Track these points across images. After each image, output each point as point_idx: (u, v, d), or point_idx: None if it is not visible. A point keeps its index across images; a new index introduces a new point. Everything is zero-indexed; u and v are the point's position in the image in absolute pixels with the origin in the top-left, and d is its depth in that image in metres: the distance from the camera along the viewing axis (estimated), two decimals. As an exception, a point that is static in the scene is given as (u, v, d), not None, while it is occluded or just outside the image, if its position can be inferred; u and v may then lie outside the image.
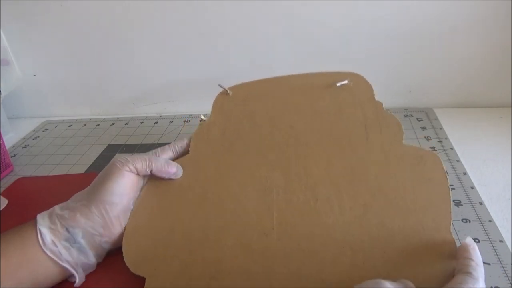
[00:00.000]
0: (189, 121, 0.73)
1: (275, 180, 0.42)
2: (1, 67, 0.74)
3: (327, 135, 0.44)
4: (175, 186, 0.45)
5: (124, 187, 0.42)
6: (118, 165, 0.42)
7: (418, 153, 0.41)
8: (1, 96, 0.74)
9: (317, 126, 0.46)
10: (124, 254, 0.41)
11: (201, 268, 0.37)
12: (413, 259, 0.34)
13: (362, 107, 0.46)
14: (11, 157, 0.68)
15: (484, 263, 0.37)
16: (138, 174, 0.44)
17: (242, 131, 0.48)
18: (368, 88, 0.49)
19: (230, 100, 0.53)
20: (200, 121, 0.53)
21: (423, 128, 0.61)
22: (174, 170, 0.45)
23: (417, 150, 0.41)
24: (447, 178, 0.39)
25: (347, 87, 0.49)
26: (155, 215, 0.43)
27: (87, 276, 0.41)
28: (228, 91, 0.54)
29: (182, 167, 0.47)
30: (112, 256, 0.43)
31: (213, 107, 0.53)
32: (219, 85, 0.55)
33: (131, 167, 0.43)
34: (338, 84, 0.49)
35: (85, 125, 0.77)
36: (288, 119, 0.48)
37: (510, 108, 0.63)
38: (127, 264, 0.40)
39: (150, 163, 0.44)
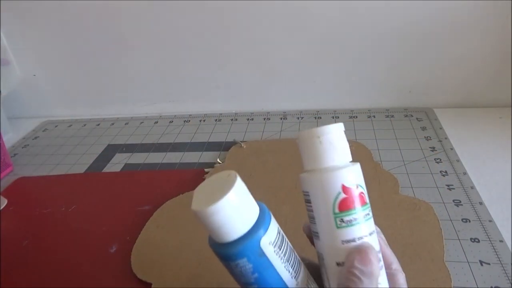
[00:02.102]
0: (189, 121, 0.73)
1: (284, 212, 0.46)
2: (1, 67, 0.74)
3: None
4: (189, 210, 0.48)
5: None
6: None
7: (413, 201, 0.46)
8: (1, 96, 0.74)
9: None
10: (132, 262, 0.42)
11: (209, 278, 0.39)
12: (411, 282, 0.37)
13: (363, 165, 0.51)
14: (11, 157, 0.68)
15: (484, 262, 0.38)
16: None
17: (254, 173, 0.54)
18: (368, 152, 0.56)
19: (243, 152, 0.59)
20: (215, 164, 0.58)
21: (423, 128, 0.61)
22: None
23: (412, 199, 0.46)
24: (439, 221, 0.43)
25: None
26: (167, 231, 0.46)
27: (89, 278, 0.41)
28: (242, 145, 0.60)
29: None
30: (114, 260, 0.44)
31: (227, 156, 0.59)
32: (234, 140, 0.63)
33: None
34: None
35: (85, 125, 0.77)
36: (296, 169, 0.52)
37: (510, 108, 0.63)
38: (134, 271, 0.41)
39: None
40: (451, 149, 0.55)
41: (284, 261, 0.24)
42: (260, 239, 0.23)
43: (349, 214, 0.23)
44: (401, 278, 0.26)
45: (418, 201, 0.46)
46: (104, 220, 0.49)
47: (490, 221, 0.42)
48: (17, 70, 0.77)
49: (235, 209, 0.22)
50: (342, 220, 0.23)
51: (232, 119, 0.71)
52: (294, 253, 0.25)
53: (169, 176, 0.57)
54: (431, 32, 0.62)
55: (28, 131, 0.78)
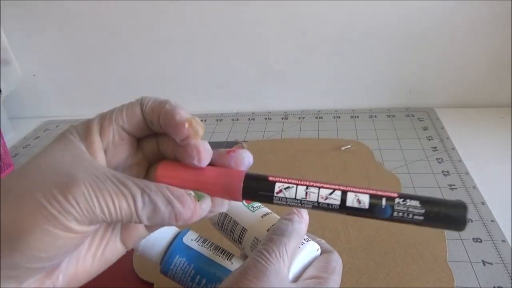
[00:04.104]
0: (190, 121, 0.73)
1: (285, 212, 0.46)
2: (2, 67, 0.74)
3: (334, 182, 0.49)
4: None
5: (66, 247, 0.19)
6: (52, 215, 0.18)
7: None
8: (2, 96, 0.74)
9: (325, 175, 0.52)
10: (134, 262, 0.42)
11: None
12: (413, 282, 0.37)
13: (364, 165, 0.53)
14: (12, 157, 0.68)
15: (486, 262, 0.38)
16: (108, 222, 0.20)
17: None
18: (369, 152, 0.56)
19: None
20: None
21: (425, 128, 0.61)
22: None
23: None
24: None
25: (350, 151, 0.57)
26: None
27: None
28: (244, 145, 0.60)
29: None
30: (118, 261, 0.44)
31: None
32: (235, 140, 0.63)
33: (88, 214, 0.19)
34: (342, 148, 0.57)
35: (85, 125, 0.76)
36: (298, 169, 0.54)
37: (511, 108, 0.63)
38: (136, 270, 0.41)
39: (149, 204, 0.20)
40: (453, 149, 0.55)
41: (212, 249, 0.32)
42: (182, 238, 0.32)
43: (253, 204, 0.32)
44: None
45: None
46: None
47: (492, 221, 0.42)
48: (18, 70, 0.77)
49: (150, 236, 0.29)
50: (253, 207, 0.32)
51: (233, 119, 0.71)
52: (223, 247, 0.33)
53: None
54: (431, 32, 0.62)
55: (29, 131, 0.78)
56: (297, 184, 0.21)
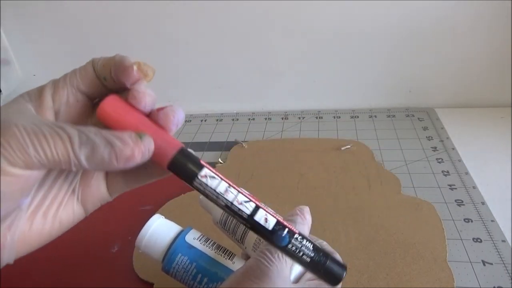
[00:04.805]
0: (190, 121, 0.73)
1: (286, 212, 0.47)
2: (2, 67, 0.74)
3: (334, 183, 0.51)
4: (191, 210, 0.48)
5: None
6: None
7: (415, 201, 0.46)
8: (2, 96, 0.74)
9: (325, 175, 0.52)
10: (134, 262, 0.42)
11: None
12: (413, 282, 0.37)
13: (365, 165, 0.54)
14: (12, 157, 0.68)
15: (486, 262, 0.38)
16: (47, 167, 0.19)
17: (256, 173, 0.54)
18: (369, 152, 0.56)
19: (245, 152, 0.60)
20: (217, 164, 0.59)
21: (425, 128, 0.61)
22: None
23: (414, 199, 0.47)
24: (441, 221, 0.43)
25: (350, 151, 0.57)
26: None
27: (90, 278, 0.41)
28: (244, 145, 0.60)
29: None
30: (116, 260, 0.44)
31: (229, 156, 0.59)
32: (236, 140, 0.63)
33: (23, 157, 0.18)
34: (342, 148, 0.57)
35: (85, 125, 0.76)
36: (298, 169, 0.54)
37: (511, 108, 0.63)
38: (136, 271, 0.41)
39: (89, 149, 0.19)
40: (453, 149, 0.55)
41: (214, 248, 0.33)
42: (185, 236, 0.33)
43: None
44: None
45: (420, 201, 0.46)
46: (106, 220, 0.49)
47: (492, 221, 0.42)
48: (18, 70, 0.77)
49: (153, 233, 0.33)
50: None
51: (233, 119, 0.71)
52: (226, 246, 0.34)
53: (171, 176, 0.56)
54: (431, 32, 0.62)
55: (29, 131, 0.78)
56: (222, 179, 0.22)
